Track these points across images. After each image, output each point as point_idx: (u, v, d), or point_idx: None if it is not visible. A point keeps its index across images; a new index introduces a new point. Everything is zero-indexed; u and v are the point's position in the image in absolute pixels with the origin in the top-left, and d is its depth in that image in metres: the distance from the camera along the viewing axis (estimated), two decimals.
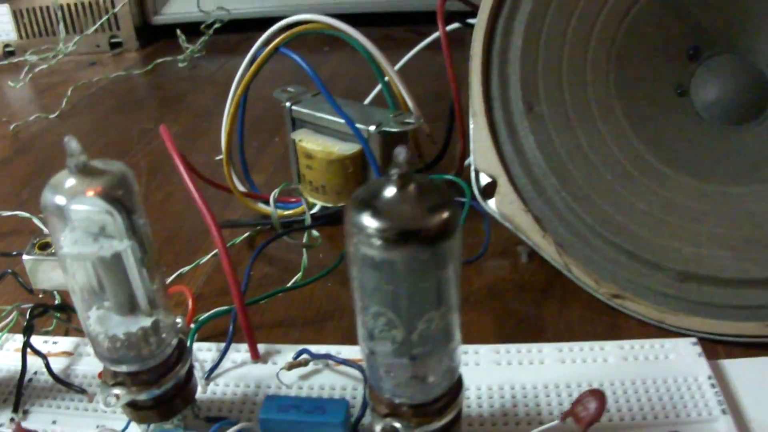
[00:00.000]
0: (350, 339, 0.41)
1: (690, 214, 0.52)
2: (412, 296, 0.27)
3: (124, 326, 0.32)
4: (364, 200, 0.26)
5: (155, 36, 1.31)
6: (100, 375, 0.41)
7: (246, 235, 0.61)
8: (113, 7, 1.25)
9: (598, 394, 0.32)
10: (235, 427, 0.32)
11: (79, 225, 0.30)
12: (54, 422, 0.40)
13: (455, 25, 0.63)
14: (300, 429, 0.34)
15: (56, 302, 0.50)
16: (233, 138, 0.60)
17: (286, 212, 0.60)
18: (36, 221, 0.67)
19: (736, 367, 0.41)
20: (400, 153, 0.25)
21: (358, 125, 0.55)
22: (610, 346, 0.43)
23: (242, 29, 1.27)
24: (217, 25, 1.24)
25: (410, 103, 0.58)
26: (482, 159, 0.55)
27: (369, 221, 0.26)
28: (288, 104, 0.61)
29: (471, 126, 0.56)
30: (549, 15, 0.55)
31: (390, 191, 0.26)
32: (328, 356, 0.41)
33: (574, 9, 0.55)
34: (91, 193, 0.29)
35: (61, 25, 1.25)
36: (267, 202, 0.59)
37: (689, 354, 0.41)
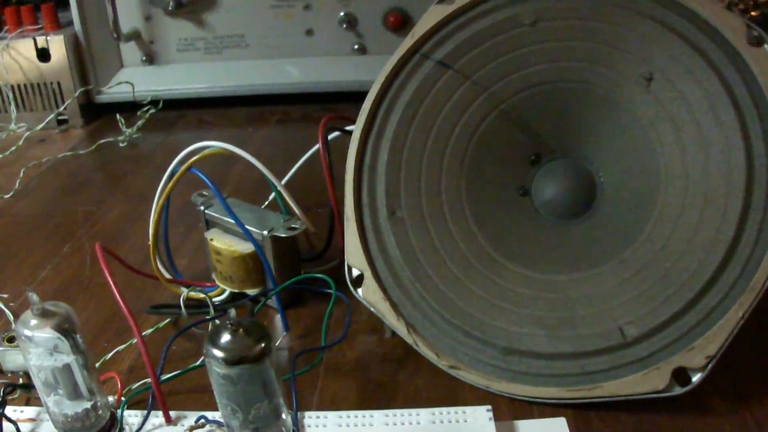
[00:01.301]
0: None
1: (517, 299, 0.64)
2: (245, 394, 0.41)
3: (72, 407, 0.47)
4: (212, 339, 0.41)
5: (98, 113, 1.42)
6: None
7: (171, 317, 0.74)
8: (59, 87, 1.36)
9: None
10: None
11: (40, 346, 0.44)
12: None
13: (336, 134, 0.76)
14: None
15: (20, 381, 0.63)
16: (159, 232, 0.74)
17: (205, 294, 0.73)
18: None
19: (524, 427, 0.55)
20: (231, 311, 0.40)
21: (253, 229, 0.69)
22: (424, 412, 0.56)
23: (176, 107, 1.40)
24: (151, 111, 1.36)
25: (297, 211, 0.72)
26: (352, 256, 0.68)
27: (215, 352, 0.40)
28: (202, 207, 0.74)
29: (345, 226, 0.69)
30: (410, 134, 0.68)
31: (226, 335, 0.41)
32: (217, 422, 0.55)
33: (432, 128, 0.68)
34: (47, 328, 0.44)
35: (12, 105, 1.35)
36: (187, 287, 0.73)
37: (482, 418, 0.55)
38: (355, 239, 0.67)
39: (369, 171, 0.69)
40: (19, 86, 1.38)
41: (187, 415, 0.56)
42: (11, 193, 1.13)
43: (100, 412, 0.48)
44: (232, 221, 0.70)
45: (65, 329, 0.45)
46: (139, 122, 1.34)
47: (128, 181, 1.13)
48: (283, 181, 0.73)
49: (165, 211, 0.72)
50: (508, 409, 0.60)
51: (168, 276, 0.75)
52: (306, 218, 0.70)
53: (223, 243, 0.71)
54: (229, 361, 0.40)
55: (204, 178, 0.68)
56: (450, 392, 0.62)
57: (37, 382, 0.47)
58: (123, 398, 0.57)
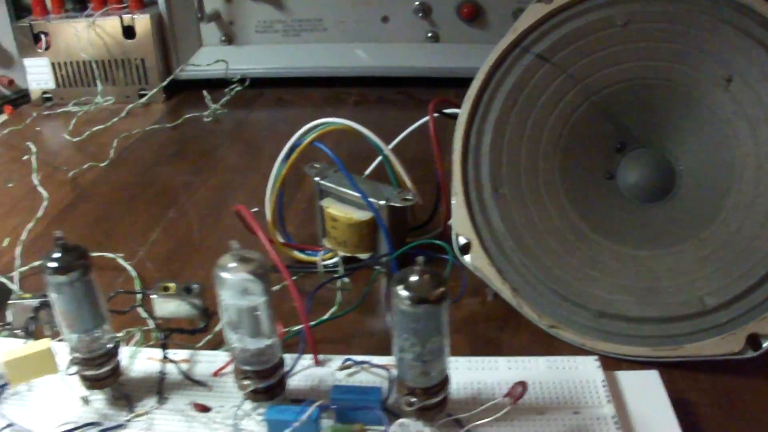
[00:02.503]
0: (374, 351, 0.64)
1: (607, 269, 0.72)
2: (425, 330, 0.50)
3: (253, 344, 0.55)
4: (400, 280, 0.50)
5: (178, 89, 1.51)
6: (215, 373, 0.64)
7: (298, 276, 0.83)
8: (143, 63, 1.45)
9: (523, 383, 0.56)
10: (316, 404, 0.55)
11: (233, 287, 0.53)
12: (186, 404, 0.63)
13: (436, 115, 0.84)
14: (354, 403, 0.57)
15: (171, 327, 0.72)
16: (275, 203, 0.82)
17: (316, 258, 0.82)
18: (120, 260, 0.88)
19: (623, 376, 0.64)
20: (420, 258, 0.49)
21: (371, 199, 0.78)
22: (541, 360, 0.65)
23: (254, 86, 1.50)
24: (237, 88, 1.45)
25: (409, 184, 0.81)
26: (460, 226, 0.77)
27: (405, 293, 0.49)
28: (316, 178, 0.83)
29: (453, 202, 0.77)
30: (511, 120, 0.76)
31: (414, 278, 0.50)
32: (364, 362, 0.64)
33: (530, 115, 0.76)
34: (243, 272, 0.53)
35: (99, 79, 1.44)
36: (301, 251, 0.82)
37: (591, 366, 0.63)
38: (463, 211, 0.75)
39: (474, 151, 0.77)
40: (104, 62, 1.46)
41: (332, 358, 0.65)
42: (107, 162, 1.21)
43: (275, 349, 0.57)
44: (345, 191, 0.78)
45: (259, 273, 0.53)
46: (224, 99, 1.43)
47: (220, 154, 1.22)
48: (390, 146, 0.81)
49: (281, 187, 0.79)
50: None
51: (281, 240, 0.83)
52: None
53: (339, 210, 0.79)
54: (416, 300, 0.49)
55: (328, 151, 0.77)
56: (548, 349, 0.71)
57: (223, 319, 0.55)
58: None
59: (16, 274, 0.86)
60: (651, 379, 0.63)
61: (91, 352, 0.60)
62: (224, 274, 0.52)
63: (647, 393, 0.61)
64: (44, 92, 1.52)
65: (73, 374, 0.61)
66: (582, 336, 0.71)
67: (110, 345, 0.60)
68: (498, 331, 0.71)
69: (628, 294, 0.71)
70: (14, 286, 0.84)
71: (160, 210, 1.03)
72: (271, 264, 0.59)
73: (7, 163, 1.24)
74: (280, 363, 0.57)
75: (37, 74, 1.51)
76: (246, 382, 0.56)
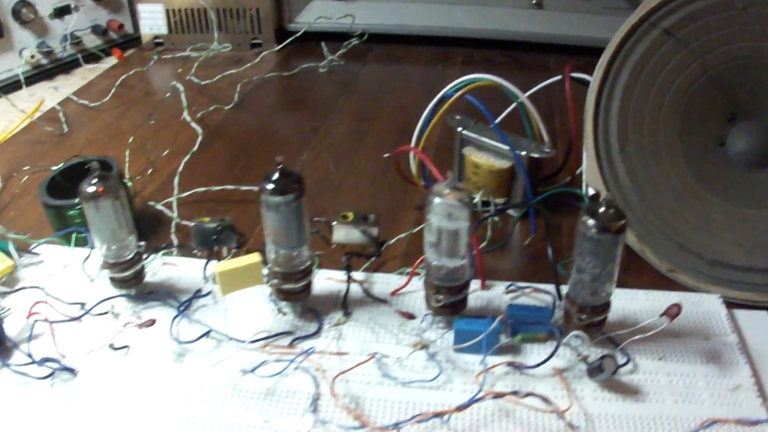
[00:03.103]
0: (524, 278, 0.74)
1: (719, 225, 0.81)
2: (606, 255, 0.61)
3: (450, 263, 0.67)
4: (589, 211, 0.61)
5: (287, 39, 1.57)
6: (393, 293, 0.75)
7: None
8: (257, 13, 1.54)
9: (678, 305, 0.67)
10: (499, 318, 0.67)
11: (443, 212, 0.64)
12: (370, 318, 0.74)
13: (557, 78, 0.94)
14: (527, 318, 0.68)
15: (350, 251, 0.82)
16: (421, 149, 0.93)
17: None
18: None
19: (741, 313, 0.74)
20: (609, 196, 0.60)
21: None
22: (672, 294, 0.75)
23: (366, 41, 1.58)
24: (355, 42, 1.54)
25: (546, 138, 0.91)
26: (591, 178, 0.86)
27: (590, 221, 0.61)
28: (459, 129, 0.94)
29: (584, 156, 0.87)
30: (637, 87, 0.84)
31: (601, 210, 0.61)
32: (526, 287, 0.75)
33: (654, 84, 0.84)
34: (453, 198, 0.64)
35: (215, 27, 1.54)
36: None
37: (715, 302, 0.74)
38: (594, 165, 0.85)
39: (604, 113, 0.86)
40: (220, 10, 1.55)
41: (495, 283, 0.76)
42: (231, 105, 1.30)
43: (465, 271, 0.67)
44: (488, 142, 0.89)
45: (465, 202, 0.64)
46: (341, 51, 1.52)
47: (341, 103, 1.31)
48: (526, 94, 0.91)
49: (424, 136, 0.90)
50: None
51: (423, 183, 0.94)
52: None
53: (481, 158, 0.90)
54: (600, 229, 0.60)
55: (479, 104, 0.87)
56: (667, 290, 0.79)
57: (426, 239, 0.66)
58: None
59: (174, 200, 0.96)
60: (762, 317, 0.73)
61: (292, 267, 0.70)
62: (437, 199, 0.63)
63: (760, 328, 0.72)
64: (156, 37, 1.61)
65: (273, 287, 0.71)
66: (696, 280, 0.80)
67: (308, 263, 0.70)
68: (623, 273, 0.73)
69: (737, 247, 0.80)
70: (173, 213, 0.94)
71: (294, 152, 1.12)
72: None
73: (133, 102, 1.35)
74: (467, 283, 0.68)
75: (150, 19, 1.60)
76: (438, 297, 0.66)
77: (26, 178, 1.07)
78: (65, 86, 1.44)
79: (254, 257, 0.67)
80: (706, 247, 0.81)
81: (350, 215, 0.76)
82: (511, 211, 0.90)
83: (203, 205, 0.96)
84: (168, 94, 1.32)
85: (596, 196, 0.82)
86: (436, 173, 0.75)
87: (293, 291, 0.70)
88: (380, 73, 1.41)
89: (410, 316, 0.69)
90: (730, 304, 0.76)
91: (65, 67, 1.55)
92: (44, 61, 1.51)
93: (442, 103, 0.89)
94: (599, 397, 0.63)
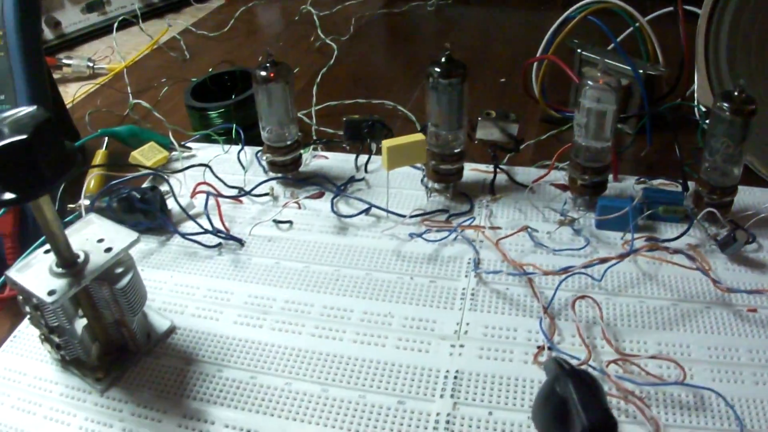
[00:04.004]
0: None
1: None
2: (737, 135, 0.67)
3: (597, 144, 0.73)
4: (723, 95, 0.68)
5: None
6: (534, 181, 0.82)
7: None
8: None
9: None
10: (637, 198, 0.74)
11: (593, 94, 0.71)
12: (516, 201, 0.81)
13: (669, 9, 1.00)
14: (662, 199, 0.74)
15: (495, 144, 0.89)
16: (544, 71, 1.00)
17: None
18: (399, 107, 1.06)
19: None
20: (741, 81, 0.67)
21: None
22: None
23: None
24: None
25: (661, 58, 0.97)
26: (702, 96, 0.92)
27: (725, 104, 0.67)
28: (579, 50, 1.01)
29: (696, 76, 0.92)
30: (745, 13, 0.89)
31: (736, 92, 0.67)
32: (653, 179, 0.81)
33: (761, 9, 0.89)
34: (603, 81, 0.70)
35: None
36: (555, 110, 1.00)
37: None
38: (705, 83, 0.91)
39: (714, 36, 0.91)
40: None
41: (625, 177, 0.83)
42: (347, 36, 1.39)
43: (607, 154, 0.74)
44: (606, 62, 0.94)
45: (614, 87, 0.70)
46: None
47: (453, 36, 1.40)
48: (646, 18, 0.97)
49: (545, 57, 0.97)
50: None
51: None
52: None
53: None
54: (735, 112, 0.67)
55: (602, 25, 0.93)
56: None
57: (577, 122, 0.73)
58: None
59: (312, 111, 1.05)
60: None
61: (449, 149, 0.77)
62: (589, 82, 0.70)
63: None
64: None
65: (430, 168, 0.79)
66: None
67: (462, 147, 0.78)
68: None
69: None
70: (312, 121, 1.03)
71: (414, 75, 1.19)
72: None
73: (251, 32, 1.46)
74: (608, 165, 0.75)
75: None
76: (585, 176, 0.74)
77: (165, 89, 1.16)
78: (177, 24, 1.54)
79: (419, 136, 0.73)
80: None
81: (493, 113, 0.83)
82: (626, 128, 0.96)
83: (335, 118, 1.02)
84: (297, 18, 1.40)
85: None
86: (570, 74, 0.82)
87: (448, 172, 0.77)
88: (485, 13, 1.48)
89: (564, 187, 0.75)
90: None
91: (176, 5, 1.63)
92: (155, 0, 1.58)
93: (564, 25, 0.95)
94: (730, 268, 0.69)
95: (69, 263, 0.56)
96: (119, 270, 0.58)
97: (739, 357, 0.60)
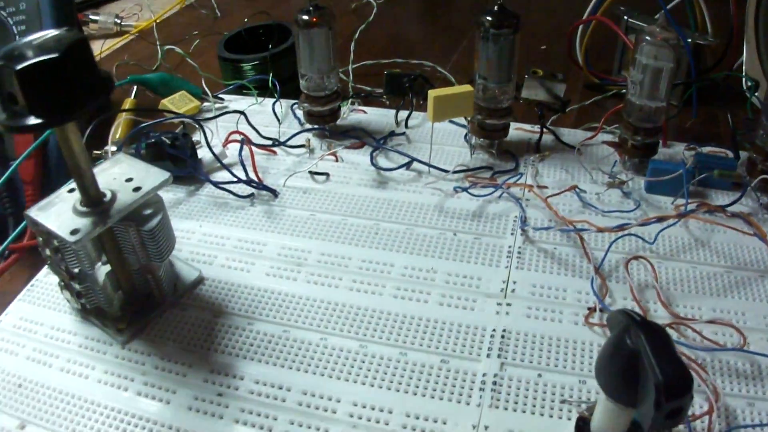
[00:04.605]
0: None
1: None
2: None
3: (651, 104, 0.69)
4: None
5: None
6: (581, 143, 0.78)
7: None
8: None
9: None
10: (690, 163, 0.69)
11: (651, 51, 0.66)
12: (563, 161, 0.77)
13: None
14: (715, 164, 0.70)
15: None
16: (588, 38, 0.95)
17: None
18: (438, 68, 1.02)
19: None
20: None
21: None
22: None
23: None
24: None
25: (709, 28, 0.92)
26: (750, 68, 0.87)
27: None
28: (626, 17, 0.96)
29: (745, 48, 0.88)
30: None
31: None
32: (704, 146, 0.77)
33: None
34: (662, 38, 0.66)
35: None
36: (598, 78, 0.95)
37: None
38: (754, 56, 0.87)
39: (765, 8, 0.87)
40: None
41: (674, 143, 0.79)
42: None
43: (660, 115, 0.70)
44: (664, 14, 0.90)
45: (673, 45, 0.66)
46: None
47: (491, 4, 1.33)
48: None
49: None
50: None
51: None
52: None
53: None
54: None
55: None
56: None
57: (632, 79, 0.69)
58: None
59: (350, 68, 1.01)
60: None
61: (497, 103, 0.73)
62: (647, 37, 0.65)
63: None
64: None
65: (476, 122, 0.75)
66: None
67: (510, 102, 0.74)
68: None
69: None
70: (349, 78, 0.99)
71: (453, 40, 1.15)
72: None
73: None
74: (660, 128, 0.70)
75: None
76: (637, 137, 0.69)
77: (197, 41, 1.12)
78: None
79: (467, 87, 0.70)
80: None
81: (540, 72, 0.79)
82: (671, 98, 0.91)
83: (373, 77, 0.98)
84: None
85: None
86: (623, 37, 0.78)
87: (495, 128, 0.73)
88: None
89: (616, 145, 0.71)
90: None
91: None
92: None
93: None
94: None
95: (95, 202, 0.52)
96: (148, 211, 0.54)
97: None
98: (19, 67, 0.43)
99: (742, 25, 0.88)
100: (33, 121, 0.45)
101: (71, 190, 0.54)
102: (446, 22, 1.26)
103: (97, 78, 0.47)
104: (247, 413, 0.51)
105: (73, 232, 0.50)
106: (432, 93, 0.68)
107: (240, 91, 0.90)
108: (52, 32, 0.46)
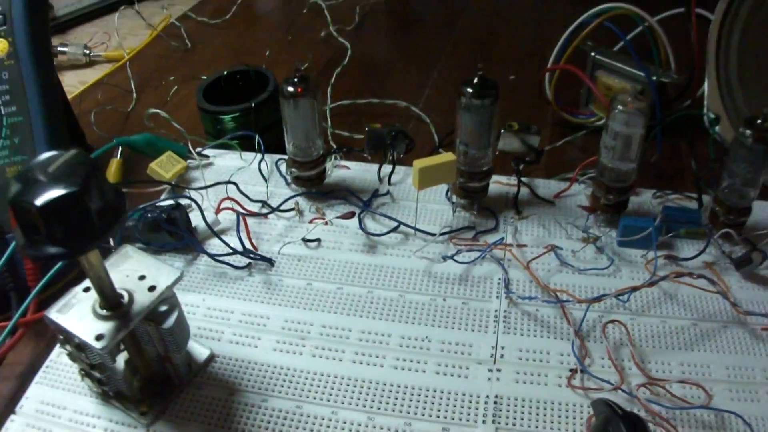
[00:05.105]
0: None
1: None
2: (758, 162, 0.70)
3: (623, 167, 0.75)
4: (747, 122, 0.69)
5: None
6: (556, 195, 0.83)
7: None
8: None
9: None
10: (659, 218, 0.75)
11: (622, 118, 0.72)
12: (539, 217, 0.83)
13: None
14: (681, 218, 0.76)
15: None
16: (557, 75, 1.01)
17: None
18: (412, 107, 1.07)
19: None
20: (765, 113, 0.68)
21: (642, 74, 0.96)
22: None
23: None
24: None
25: (672, 65, 0.98)
26: (712, 102, 0.94)
27: (747, 132, 0.69)
28: (593, 53, 1.02)
29: (706, 83, 0.94)
30: (755, 23, 0.91)
31: (758, 122, 0.69)
32: (671, 193, 0.83)
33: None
34: (633, 107, 0.72)
35: None
36: (567, 112, 1.01)
37: None
38: (715, 91, 0.93)
39: (725, 44, 0.93)
40: None
41: (642, 190, 0.84)
42: (353, 26, 1.39)
43: (633, 175, 0.75)
44: (618, 65, 0.96)
45: (643, 112, 0.71)
46: None
47: (460, 24, 1.40)
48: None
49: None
50: None
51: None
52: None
53: (613, 81, 0.97)
54: (757, 140, 0.70)
55: (615, 29, 0.94)
56: None
57: (604, 144, 0.74)
58: None
59: (327, 108, 1.05)
60: None
61: (478, 167, 0.78)
62: (619, 107, 0.71)
63: None
64: None
65: (458, 185, 0.80)
66: None
67: (490, 165, 0.79)
68: None
69: None
70: (327, 124, 1.04)
71: (423, 69, 1.19)
72: None
73: (254, 20, 1.46)
74: (633, 185, 0.76)
75: None
76: (609, 196, 0.75)
77: (175, 88, 1.14)
78: (173, 9, 1.53)
79: (450, 155, 0.74)
80: None
81: (515, 125, 0.84)
82: None
83: (347, 117, 1.03)
84: (305, 10, 1.42)
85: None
86: (593, 88, 0.85)
87: (476, 189, 0.78)
88: (492, 1, 1.48)
89: (592, 210, 0.77)
90: None
91: None
92: None
93: (579, 30, 0.96)
94: (744, 286, 0.72)
95: (114, 305, 0.56)
96: (164, 308, 0.58)
97: (755, 376, 0.63)
98: (39, 203, 0.46)
99: (704, 58, 0.94)
100: (54, 250, 0.48)
101: (86, 289, 0.58)
102: (415, 48, 1.31)
103: (113, 201, 0.51)
104: None
105: (98, 338, 0.54)
106: (417, 164, 0.73)
107: (222, 145, 0.93)
108: (62, 156, 0.49)
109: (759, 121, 0.68)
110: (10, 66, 0.77)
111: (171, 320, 0.57)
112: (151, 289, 0.58)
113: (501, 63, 1.19)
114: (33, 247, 0.48)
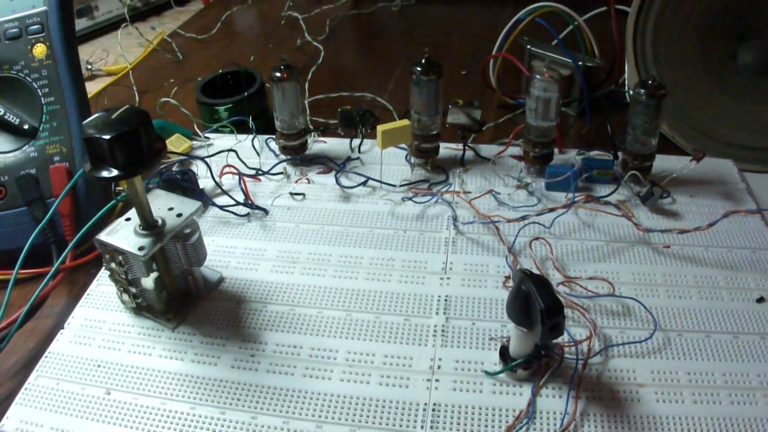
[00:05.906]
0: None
1: (732, 117, 1.07)
2: (652, 113, 0.90)
3: (544, 124, 0.96)
4: (641, 83, 0.90)
5: None
6: (496, 154, 1.04)
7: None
8: None
9: (702, 150, 0.93)
10: (577, 165, 0.96)
11: (541, 85, 0.92)
12: (482, 171, 1.04)
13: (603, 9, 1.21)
14: (597, 165, 0.94)
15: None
16: (500, 64, 1.21)
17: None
18: (378, 98, 1.25)
19: (749, 174, 1.02)
20: (652, 76, 0.89)
21: (571, 61, 1.17)
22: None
23: None
24: None
25: (596, 51, 1.19)
26: (632, 83, 1.14)
27: (642, 90, 0.90)
28: (528, 46, 1.22)
29: (626, 66, 1.14)
30: (668, 11, 1.09)
31: (649, 83, 0.90)
32: (592, 151, 1.04)
33: (680, 9, 1.09)
34: (548, 75, 0.92)
35: None
36: (509, 96, 1.21)
37: (729, 164, 1.00)
38: (634, 72, 1.11)
39: (641, 30, 1.11)
40: None
41: (567, 150, 1.05)
42: (324, 36, 1.57)
43: (552, 132, 0.97)
44: (551, 55, 1.17)
45: (555, 80, 0.91)
46: None
47: (416, 34, 1.58)
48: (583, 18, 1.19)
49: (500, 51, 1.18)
50: None
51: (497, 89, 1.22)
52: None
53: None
54: (649, 95, 0.89)
55: (546, 24, 1.14)
56: None
57: (528, 107, 0.93)
58: None
59: (306, 102, 1.23)
60: (764, 177, 1.01)
61: (428, 131, 0.97)
62: (537, 76, 0.91)
63: (762, 181, 0.99)
64: None
65: (413, 147, 0.98)
66: (716, 157, 1.08)
67: (438, 130, 0.98)
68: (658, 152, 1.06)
69: (748, 133, 1.06)
70: (306, 113, 1.16)
71: (386, 70, 1.38)
72: None
73: (236, 34, 1.62)
74: (554, 140, 0.96)
75: None
76: (536, 149, 0.95)
77: (175, 88, 1.34)
78: (161, 27, 1.71)
79: (406, 121, 0.93)
80: (723, 134, 1.07)
81: (461, 101, 1.03)
82: (569, 111, 1.18)
83: (324, 109, 1.21)
84: (283, 22, 1.61)
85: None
86: (523, 68, 1.04)
87: (428, 150, 0.97)
88: (444, 11, 1.68)
89: (519, 158, 0.97)
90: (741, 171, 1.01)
91: (157, 9, 1.82)
92: (139, 5, 1.77)
93: (516, 26, 1.16)
94: (650, 217, 0.90)
95: (151, 226, 0.73)
96: (188, 230, 0.76)
97: (656, 279, 0.80)
98: (107, 137, 0.64)
99: (623, 47, 1.11)
100: (114, 173, 0.66)
101: (128, 219, 0.76)
102: (379, 54, 1.49)
103: (156, 142, 0.69)
104: (273, 365, 0.72)
105: (140, 248, 0.72)
106: (380, 128, 0.91)
107: (218, 130, 1.11)
108: (121, 109, 0.67)
109: (650, 82, 0.87)
110: (48, 65, 0.96)
111: (194, 238, 0.75)
112: (179, 215, 0.75)
113: (454, 62, 1.36)
114: (99, 171, 0.66)
